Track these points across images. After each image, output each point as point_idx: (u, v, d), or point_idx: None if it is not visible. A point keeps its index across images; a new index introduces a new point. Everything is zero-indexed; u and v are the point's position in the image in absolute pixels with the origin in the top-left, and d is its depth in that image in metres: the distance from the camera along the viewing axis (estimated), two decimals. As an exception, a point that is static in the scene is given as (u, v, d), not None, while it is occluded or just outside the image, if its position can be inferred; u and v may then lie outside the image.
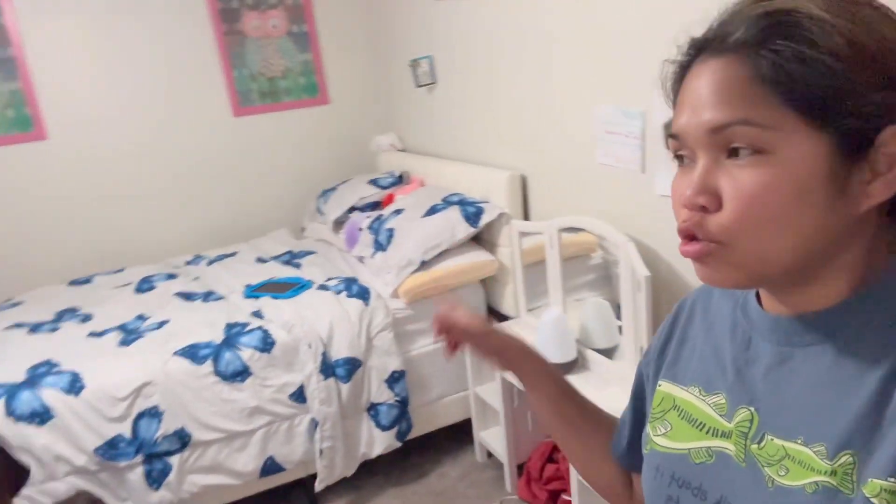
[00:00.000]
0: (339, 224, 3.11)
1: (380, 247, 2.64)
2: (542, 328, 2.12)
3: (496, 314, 2.67)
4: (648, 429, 0.75)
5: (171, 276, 2.87)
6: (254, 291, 2.59)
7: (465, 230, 2.46)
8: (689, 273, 1.90)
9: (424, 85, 2.95)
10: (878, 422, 0.53)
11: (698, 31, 0.61)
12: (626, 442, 0.84)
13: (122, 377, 2.08)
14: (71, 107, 3.01)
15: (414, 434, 2.50)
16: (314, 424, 2.27)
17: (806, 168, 0.54)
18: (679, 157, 0.62)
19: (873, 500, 0.51)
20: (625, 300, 1.95)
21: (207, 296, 2.62)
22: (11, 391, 1.99)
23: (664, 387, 0.75)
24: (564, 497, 2.20)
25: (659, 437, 0.72)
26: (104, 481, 2.05)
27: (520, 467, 2.40)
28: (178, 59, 3.17)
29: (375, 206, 3.09)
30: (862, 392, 0.54)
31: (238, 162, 3.39)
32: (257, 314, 2.40)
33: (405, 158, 3.28)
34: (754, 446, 0.61)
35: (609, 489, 0.90)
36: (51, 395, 2.00)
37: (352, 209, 3.07)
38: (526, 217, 2.53)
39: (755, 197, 0.54)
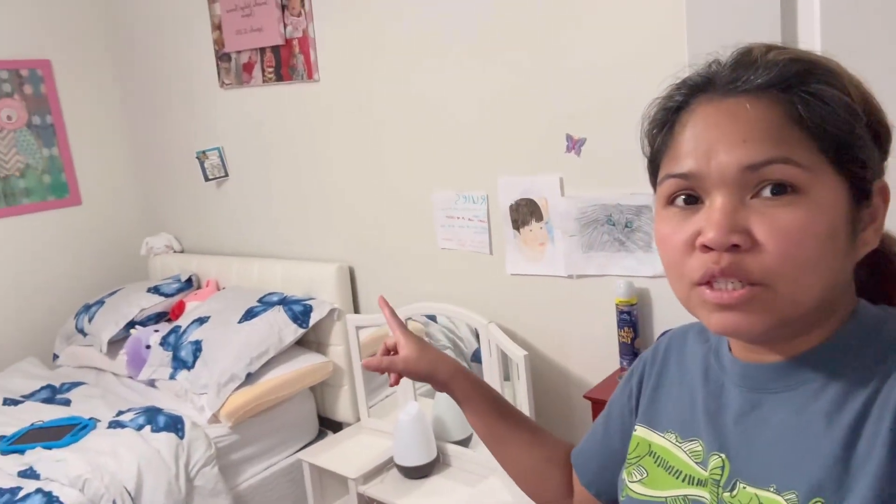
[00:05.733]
0: (113, 344, 2.57)
1: (182, 365, 2.23)
2: (403, 428, 1.94)
3: (330, 423, 2.40)
4: (624, 474, 0.73)
5: None
6: (13, 444, 1.98)
7: (294, 332, 2.19)
8: (551, 350, 1.92)
9: (215, 178, 2.65)
10: (846, 468, 0.53)
11: (685, 75, 0.61)
12: (594, 466, 0.82)
13: None
14: None
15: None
16: None
17: (835, 211, 0.55)
18: (671, 201, 0.59)
19: None
20: (491, 384, 1.87)
21: (-61, 462, 1.93)
22: None
23: (640, 432, 0.73)
24: None
25: (635, 484, 0.71)
26: None
27: None
28: None
29: (161, 317, 2.64)
30: (831, 438, 0.55)
31: (-40, 281, 2.66)
32: (29, 474, 1.82)
33: (187, 260, 2.88)
34: (727, 494, 0.60)
35: (551, 500, 0.89)
36: None
37: (131, 324, 2.57)
38: (356, 310, 2.36)
39: (796, 237, 0.53)
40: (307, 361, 2.23)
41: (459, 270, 2.05)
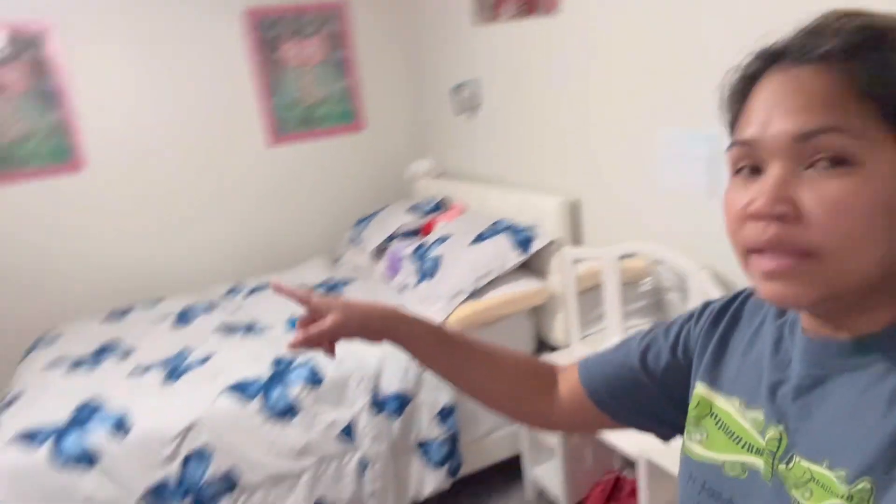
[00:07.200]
0: (378, 252, 3.04)
1: (426, 275, 2.57)
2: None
3: (545, 344, 2.58)
4: (686, 431, 0.75)
5: (210, 309, 2.81)
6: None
7: (516, 258, 2.38)
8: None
9: (468, 110, 2.89)
10: None
11: (766, 43, 0.61)
12: (601, 382, 0.84)
13: (169, 417, 2.01)
14: (110, 136, 2.99)
15: (463, 472, 2.40)
16: (362, 465, 2.18)
17: (893, 182, 0.52)
18: (738, 170, 0.60)
19: None
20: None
21: (249, 328, 2.56)
22: (59, 434, 1.93)
23: (700, 389, 0.74)
24: (630, 539, 2.09)
25: (694, 444, 0.73)
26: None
27: (577, 506, 2.29)
28: (216, 88, 3.15)
29: (415, 233, 3.02)
30: (889, 421, 0.54)
31: (274, 190, 3.35)
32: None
33: (443, 185, 3.22)
34: (782, 466, 0.61)
35: (530, 412, 0.90)
36: (97, 437, 1.94)
37: (391, 237, 3.00)
38: (579, 242, 2.45)
39: (843, 208, 0.52)
40: (526, 286, 2.41)
41: (680, 211, 2.01)
